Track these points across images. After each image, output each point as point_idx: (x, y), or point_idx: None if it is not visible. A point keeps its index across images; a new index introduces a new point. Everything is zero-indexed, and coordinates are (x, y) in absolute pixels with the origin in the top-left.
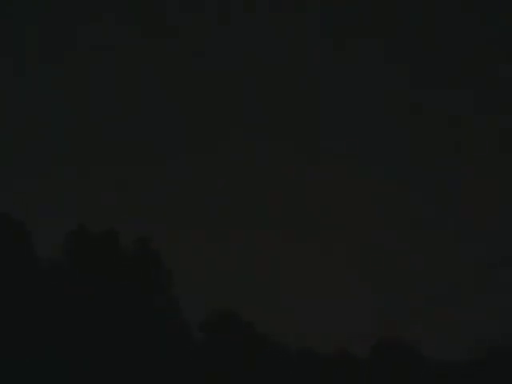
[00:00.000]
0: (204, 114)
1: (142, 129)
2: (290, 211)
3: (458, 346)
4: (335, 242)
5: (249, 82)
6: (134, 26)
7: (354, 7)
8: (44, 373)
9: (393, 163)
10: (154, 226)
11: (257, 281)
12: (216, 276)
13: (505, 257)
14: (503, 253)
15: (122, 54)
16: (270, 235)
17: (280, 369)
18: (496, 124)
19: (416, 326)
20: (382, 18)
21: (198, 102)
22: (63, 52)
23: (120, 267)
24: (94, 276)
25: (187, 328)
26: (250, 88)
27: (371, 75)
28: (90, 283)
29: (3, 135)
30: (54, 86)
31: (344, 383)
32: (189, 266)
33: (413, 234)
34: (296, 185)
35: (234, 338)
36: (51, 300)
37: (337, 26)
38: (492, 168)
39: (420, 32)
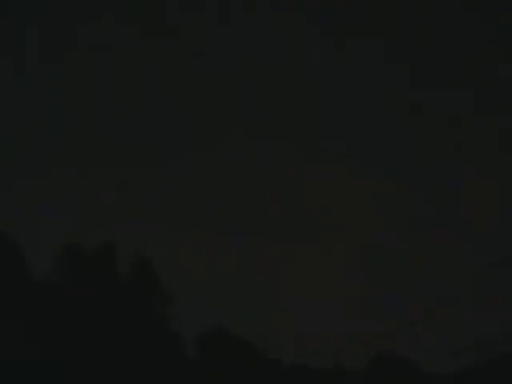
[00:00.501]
0: (204, 114)
1: (142, 129)
2: (289, 211)
3: (458, 346)
4: (335, 242)
5: (249, 81)
6: (133, 26)
7: (353, 7)
8: None
9: (393, 163)
10: (153, 226)
11: (256, 281)
12: (215, 276)
13: (505, 257)
14: (503, 253)
15: (122, 53)
16: (269, 235)
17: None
18: (496, 124)
19: (415, 326)
20: (381, 17)
21: (198, 102)
22: (63, 52)
23: (116, 283)
24: (88, 291)
25: (182, 343)
26: (250, 88)
27: (371, 75)
28: (84, 298)
29: (3, 135)
30: (53, 86)
31: None
32: (188, 266)
33: (413, 233)
34: (296, 185)
35: (227, 353)
36: (44, 314)
37: (337, 25)
38: (492, 168)
39: (420, 32)
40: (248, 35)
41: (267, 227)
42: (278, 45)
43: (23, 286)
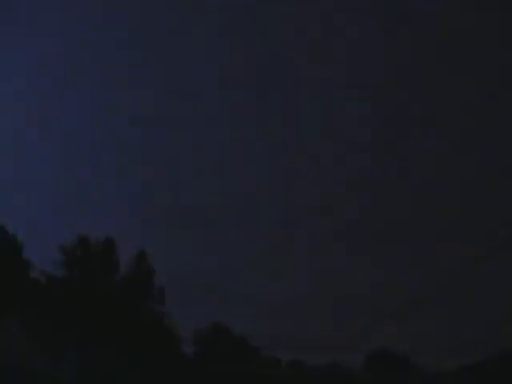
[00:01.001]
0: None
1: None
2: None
3: (456, 347)
4: (327, 244)
5: None
6: None
7: None
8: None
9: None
10: (153, 224)
11: (254, 279)
12: (213, 274)
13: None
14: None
15: None
16: (268, 234)
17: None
18: None
19: (413, 326)
20: None
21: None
22: None
23: (115, 280)
24: (89, 288)
25: (180, 341)
26: None
27: None
28: (84, 296)
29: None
30: None
31: None
32: (187, 263)
33: (408, 231)
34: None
35: (225, 350)
36: (45, 310)
37: None
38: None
39: None
40: None
41: (265, 226)
42: None
43: (24, 279)
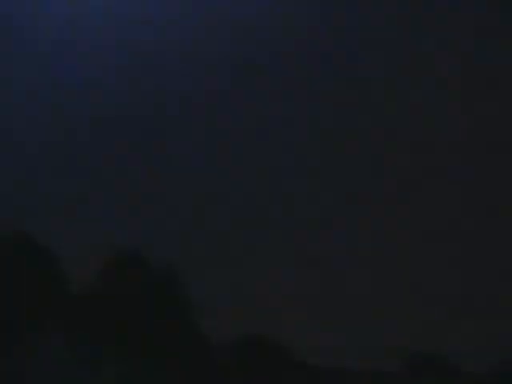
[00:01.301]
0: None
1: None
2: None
3: (492, 354)
4: (354, 246)
5: None
6: None
7: None
8: None
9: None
10: (180, 234)
11: (278, 292)
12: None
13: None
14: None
15: None
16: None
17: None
18: None
19: (443, 331)
20: None
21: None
22: None
23: (146, 291)
24: (121, 299)
25: (212, 352)
26: None
27: None
28: (117, 307)
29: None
30: None
31: None
32: (214, 284)
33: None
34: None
35: (261, 362)
36: (83, 322)
37: None
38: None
39: None
40: None
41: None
42: None
43: (60, 291)
